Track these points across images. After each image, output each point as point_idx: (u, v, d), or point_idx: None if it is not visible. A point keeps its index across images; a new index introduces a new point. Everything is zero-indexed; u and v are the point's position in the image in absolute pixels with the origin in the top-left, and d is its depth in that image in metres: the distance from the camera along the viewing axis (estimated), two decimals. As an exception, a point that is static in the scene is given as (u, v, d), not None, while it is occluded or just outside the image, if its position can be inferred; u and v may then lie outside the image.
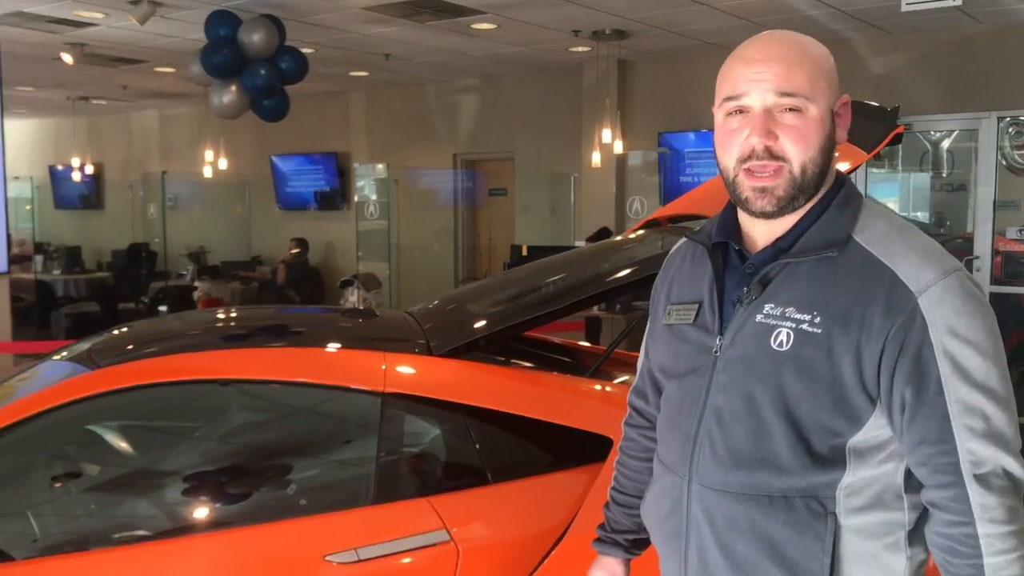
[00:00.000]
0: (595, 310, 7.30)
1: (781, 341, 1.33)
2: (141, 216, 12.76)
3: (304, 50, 6.96)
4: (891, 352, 1.28)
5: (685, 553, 1.43)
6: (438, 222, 10.68)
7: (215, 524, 2.23)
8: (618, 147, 8.15)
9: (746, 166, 1.37)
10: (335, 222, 11.54)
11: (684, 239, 1.58)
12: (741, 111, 1.39)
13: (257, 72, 6.13)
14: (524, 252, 8.00)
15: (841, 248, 1.34)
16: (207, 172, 10.63)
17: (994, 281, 6.99)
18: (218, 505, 2.29)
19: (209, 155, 10.50)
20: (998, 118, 7.20)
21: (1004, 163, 7.21)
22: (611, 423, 2.37)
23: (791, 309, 1.34)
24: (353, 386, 2.34)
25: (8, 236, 4.42)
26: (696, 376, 1.44)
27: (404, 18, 6.94)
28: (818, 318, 1.31)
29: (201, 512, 2.28)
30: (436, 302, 3.00)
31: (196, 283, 10.22)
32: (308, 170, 11.76)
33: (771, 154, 1.36)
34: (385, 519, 2.20)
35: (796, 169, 1.36)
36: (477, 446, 2.36)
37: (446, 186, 10.58)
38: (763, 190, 1.37)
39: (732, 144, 1.39)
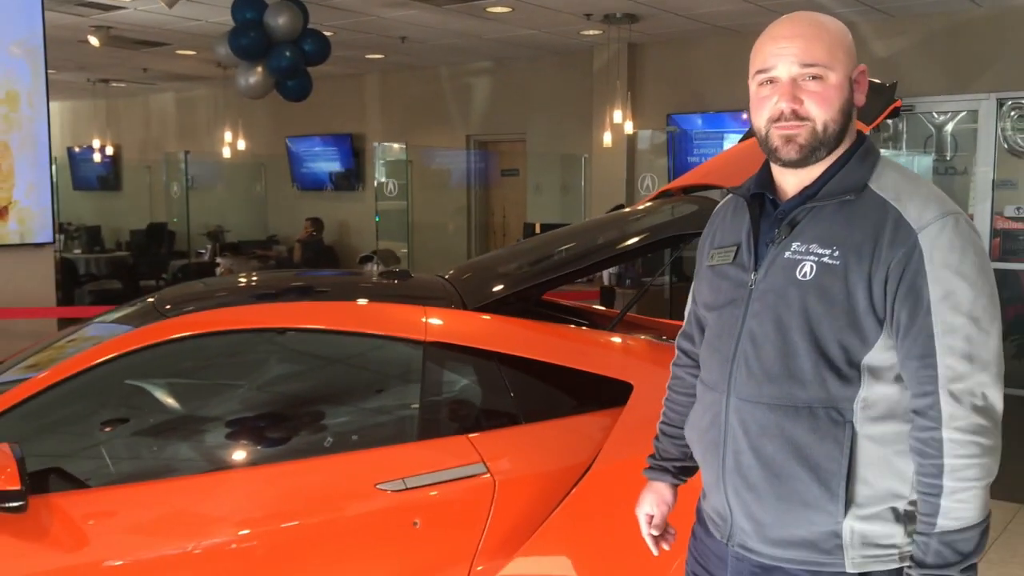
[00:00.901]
0: (607, 280, 7.56)
1: (805, 272, 1.58)
2: (161, 196, 13.02)
3: (324, 33, 7.20)
4: (893, 279, 1.52)
5: (723, 458, 1.68)
6: (452, 202, 10.93)
7: (279, 456, 2.51)
8: (628, 128, 8.38)
9: (776, 125, 1.63)
10: (350, 202, 11.79)
11: (728, 194, 1.83)
12: (771, 81, 1.64)
13: (282, 54, 6.38)
14: (537, 230, 8.25)
15: (858, 194, 1.59)
16: (226, 153, 10.88)
17: (992, 259, 7.22)
18: (280, 439, 2.56)
19: (228, 136, 10.75)
20: (998, 100, 7.42)
21: (1005, 145, 7.43)
22: (631, 370, 2.64)
23: (814, 245, 1.59)
24: (398, 335, 2.60)
25: (55, 211, 4.69)
26: (734, 307, 1.69)
27: (423, 1, 7.17)
28: (836, 252, 1.56)
29: (266, 446, 2.55)
30: (467, 265, 3.26)
31: (219, 259, 10.50)
32: (323, 151, 12.00)
33: (797, 116, 1.62)
34: (429, 453, 2.47)
35: (819, 126, 1.61)
36: (510, 390, 2.62)
37: (459, 167, 10.82)
38: (789, 139, 1.62)
39: (764, 108, 1.65)
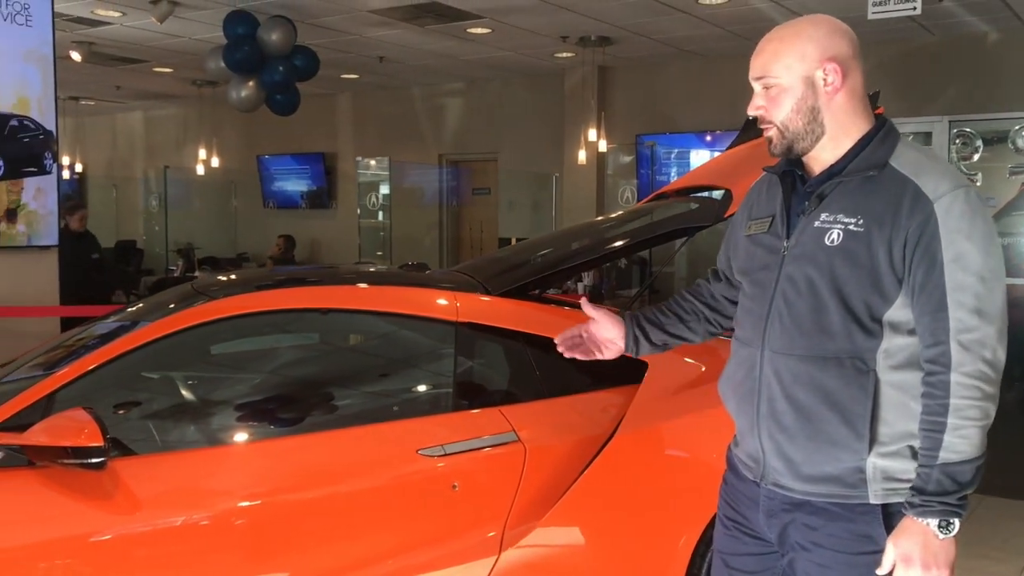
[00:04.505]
0: (580, 290, 7.81)
1: (833, 239, 1.81)
2: (128, 214, 13.02)
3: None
4: (911, 243, 1.76)
5: (757, 406, 1.90)
6: (425, 218, 11.13)
7: (327, 424, 2.69)
8: (603, 146, 8.68)
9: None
10: (321, 220, 11.93)
11: (763, 172, 2.07)
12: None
13: (275, 69, 6.57)
14: (512, 243, 8.50)
15: (880, 170, 1.83)
16: (200, 170, 10.96)
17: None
18: (327, 409, 2.74)
19: (202, 153, 10.84)
20: (949, 122, 7.85)
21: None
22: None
23: (841, 215, 1.82)
24: (433, 316, 2.80)
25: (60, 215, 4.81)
26: (767, 271, 1.93)
27: (407, 21, 7.41)
28: (861, 220, 1.80)
29: (315, 415, 2.73)
30: (479, 260, 3.49)
31: (197, 274, 10.55)
32: (295, 170, 12.14)
33: (764, 120, 1.90)
34: (464, 423, 2.67)
35: (780, 127, 1.88)
36: (535, 367, 2.83)
37: (432, 185, 11.03)
38: (769, 139, 1.91)
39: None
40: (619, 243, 3.32)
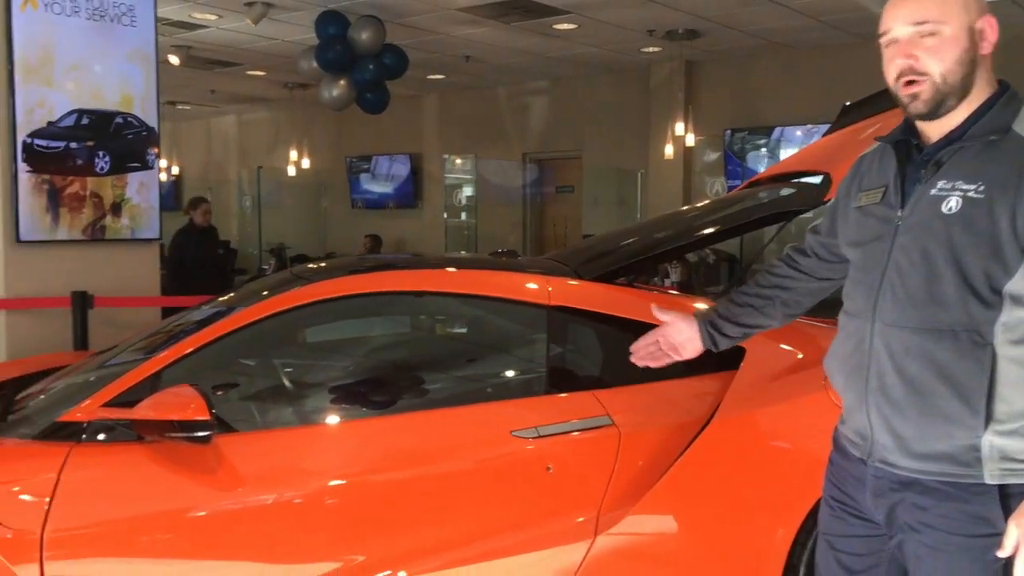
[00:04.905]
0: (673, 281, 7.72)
1: (951, 207, 1.74)
2: (222, 216, 13.39)
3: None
4: None
5: (867, 379, 1.83)
6: (509, 217, 11.17)
7: (422, 405, 2.71)
8: (690, 140, 8.57)
9: (901, 82, 1.81)
10: (407, 219, 12.08)
11: (875, 142, 2.01)
12: (894, 41, 1.82)
13: (366, 67, 6.69)
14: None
15: (1003, 135, 1.75)
16: (291, 171, 11.23)
17: None
18: (421, 390, 2.77)
19: (293, 155, 11.10)
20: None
21: None
22: (741, 335, 2.80)
23: (960, 182, 1.75)
24: (525, 300, 2.80)
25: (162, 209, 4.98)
26: (880, 242, 1.86)
27: (493, 19, 7.44)
28: (982, 186, 1.72)
29: (410, 395, 2.76)
30: (572, 248, 3.48)
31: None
32: (382, 170, 12.33)
33: (915, 71, 1.79)
34: (557, 405, 2.65)
35: (938, 79, 1.78)
36: (628, 350, 2.80)
37: (516, 183, 11.07)
38: (914, 95, 1.80)
39: (890, 68, 1.84)
40: (714, 228, 3.26)
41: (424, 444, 2.56)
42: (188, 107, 13.18)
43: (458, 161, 10.30)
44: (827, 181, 2.99)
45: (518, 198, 11.10)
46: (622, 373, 2.78)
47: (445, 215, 10.26)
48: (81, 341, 4.40)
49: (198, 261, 7.53)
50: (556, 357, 2.77)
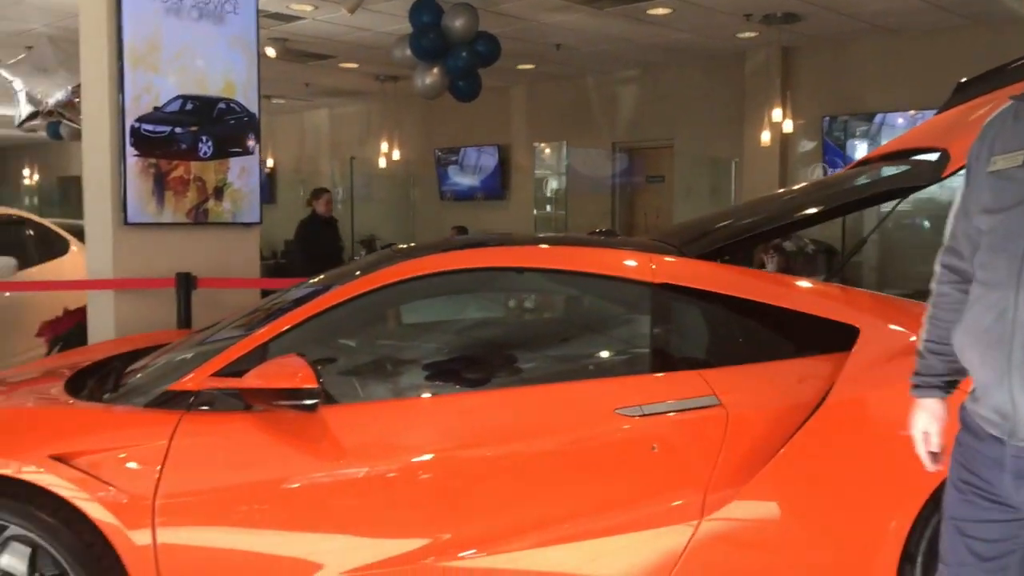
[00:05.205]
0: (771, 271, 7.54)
1: None
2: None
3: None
4: None
5: (1009, 354, 1.72)
6: (598, 207, 11.08)
7: (523, 380, 2.68)
8: (788, 126, 8.35)
9: None
10: (495, 211, 12.10)
11: (1009, 101, 1.89)
12: None
13: (459, 55, 6.71)
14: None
15: None
16: (382, 163, 11.36)
17: None
18: (523, 365, 2.73)
19: (384, 147, 11.22)
20: None
21: None
22: (856, 315, 2.69)
23: None
24: (629, 277, 2.74)
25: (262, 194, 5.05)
26: (1022, 206, 1.75)
27: (586, 4, 7.38)
28: None
29: (511, 371, 2.73)
30: (672, 227, 3.40)
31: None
32: (470, 161, 12.37)
33: None
34: (662, 384, 2.59)
35: None
36: (736, 330, 2.72)
37: (605, 173, 10.98)
38: None
39: None
40: (825, 206, 3.13)
41: (524, 420, 2.53)
42: (282, 101, 13.45)
43: (547, 151, 10.25)
44: (944, 157, 2.85)
45: (607, 188, 11.00)
46: (729, 352, 2.71)
47: (535, 209, 10.21)
48: (185, 321, 4.50)
49: (320, 251, 7.64)
50: (661, 335, 2.70)
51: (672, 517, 2.48)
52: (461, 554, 2.40)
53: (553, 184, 10.90)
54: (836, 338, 2.66)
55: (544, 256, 2.83)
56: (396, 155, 11.83)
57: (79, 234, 7.31)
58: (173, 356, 2.90)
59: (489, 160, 12.11)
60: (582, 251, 2.88)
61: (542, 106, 11.63)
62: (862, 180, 3.23)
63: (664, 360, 2.67)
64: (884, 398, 2.58)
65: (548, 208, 11.17)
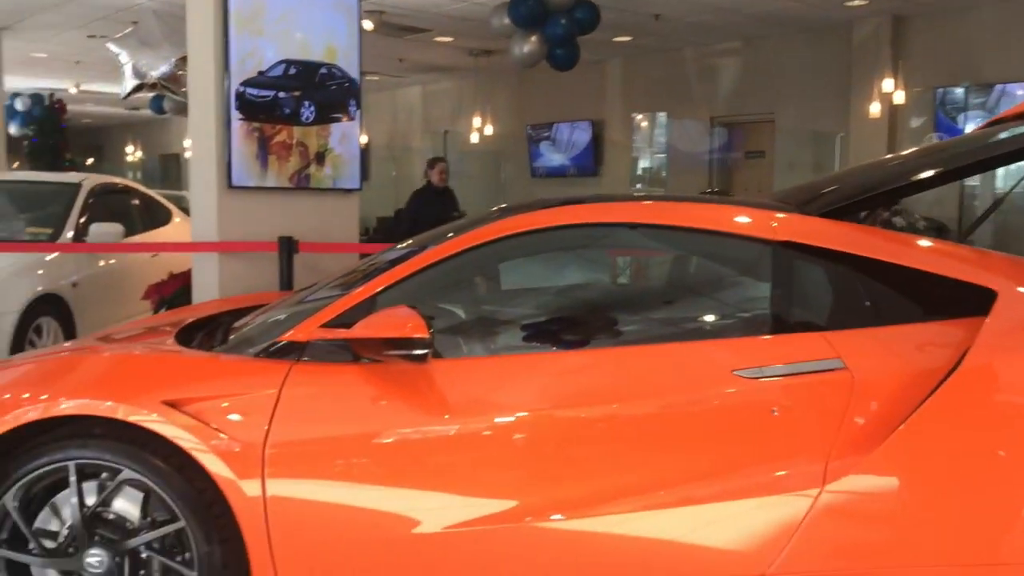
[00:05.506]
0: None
1: None
2: (407, 184, 13.71)
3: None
4: None
5: None
6: (694, 183, 10.86)
7: (640, 339, 2.59)
8: (898, 97, 8.00)
9: None
10: (587, 187, 11.97)
11: None
12: None
13: (557, 22, 6.62)
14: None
15: None
16: (474, 139, 11.34)
17: None
18: (640, 323, 2.64)
19: (476, 122, 11.21)
20: None
21: None
22: (993, 278, 2.51)
23: None
24: (748, 234, 2.61)
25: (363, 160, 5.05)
26: None
27: (689, -29, 7.18)
28: None
29: (627, 328, 2.64)
30: (790, 188, 3.24)
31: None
32: (563, 137, 12.25)
33: None
34: (783, 346, 2.46)
35: None
36: (864, 291, 2.56)
37: (702, 148, 10.74)
38: None
39: None
40: (954, 164, 2.93)
41: (638, 380, 2.43)
42: (376, 78, 13.54)
43: (644, 124, 10.06)
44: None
45: (704, 164, 10.76)
46: (855, 315, 2.55)
47: (630, 185, 10.06)
48: (287, 284, 4.54)
49: (433, 221, 7.65)
50: (782, 295, 2.57)
51: (790, 485, 2.36)
52: (556, 516, 2.33)
53: (644, 163, 10.72)
54: (970, 302, 2.49)
55: (657, 212, 2.72)
56: (489, 129, 11.79)
57: (176, 204, 7.52)
58: (280, 311, 2.89)
59: (582, 136, 11.97)
60: (697, 207, 2.76)
61: (638, 80, 11.43)
62: (996, 138, 3.02)
63: (785, 321, 2.54)
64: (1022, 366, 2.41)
65: (642, 185, 11.00)
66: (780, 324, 2.53)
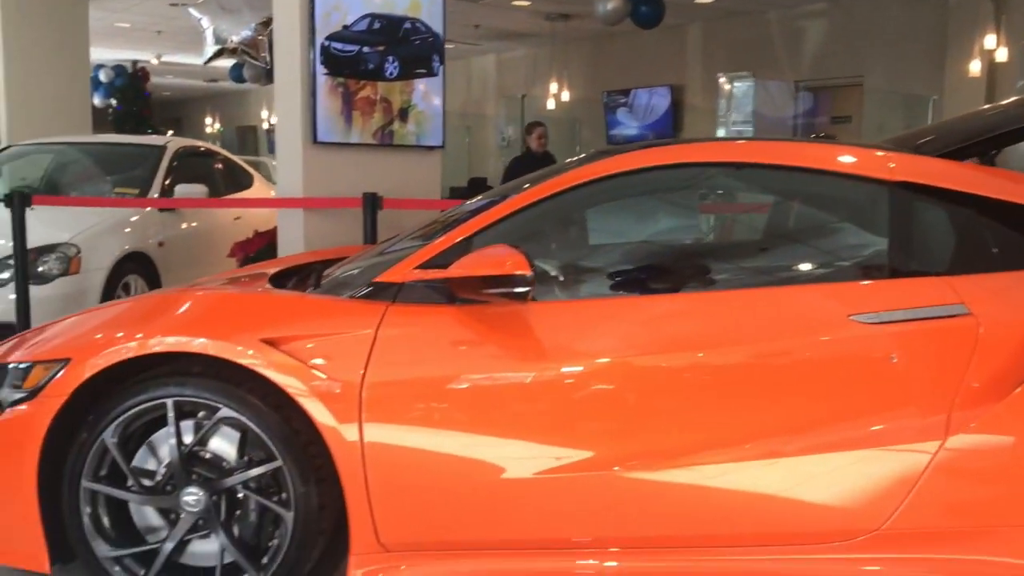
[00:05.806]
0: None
1: None
2: (479, 153, 13.68)
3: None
4: None
5: None
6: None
7: (749, 282, 2.48)
8: (1001, 54, 7.61)
9: None
10: (666, 154, 11.75)
11: None
12: None
13: (642, -23, 6.44)
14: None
15: None
16: (550, 104, 11.21)
17: None
18: (749, 266, 2.53)
19: (553, 87, 11.07)
20: None
21: None
22: None
23: None
24: (862, 174, 2.47)
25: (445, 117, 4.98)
26: None
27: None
28: None
29: (735, 272, 2.53)
30: (900, 135, 3.09)
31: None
32: (641, 103, 12.03)
33: None
34: (903, 290, 2.32)
35: None
36: (989, 234, 2.41)
37: (786, 113, 10.42)
38: None
39: None
40: None
41: (747, 324, 2.31)
42: (451, 46, 13.44)
43: (726, 87, 9.79)
44: None
45: (788, 129, 10.45)
46: (981, 258, 2.40)
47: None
48: (371, 240, 4.51)
49: None
50: (901, 237, 2.42)
51: (910, 436, 2.23)
52: (653, 466, 2.25)
53: (724, 129, 10.44)
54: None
55: (766, 151, 2.59)
56: (566, 95, 11.63)
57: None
58: (370, 258, 2.84)
59: (661, 101, 11.73)
60: (809, 146, 2.63)
61: (720, 44, 11.14)
62: None
63: (906, 264, 2.40)
64: None
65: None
66: (899, 267, 2.39)
